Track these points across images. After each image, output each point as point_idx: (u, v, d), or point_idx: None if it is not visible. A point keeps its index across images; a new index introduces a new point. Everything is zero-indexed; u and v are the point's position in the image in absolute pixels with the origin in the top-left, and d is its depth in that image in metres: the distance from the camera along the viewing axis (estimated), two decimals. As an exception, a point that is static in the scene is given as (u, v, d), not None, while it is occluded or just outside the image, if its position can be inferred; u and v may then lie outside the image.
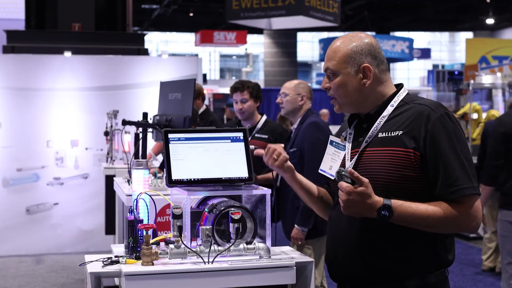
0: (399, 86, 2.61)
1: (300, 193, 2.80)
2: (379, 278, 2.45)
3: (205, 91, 7.62)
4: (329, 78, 2.58)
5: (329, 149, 2.69)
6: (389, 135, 2.45)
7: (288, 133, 5.46)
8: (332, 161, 2.63)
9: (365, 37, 2.57)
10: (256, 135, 5.44)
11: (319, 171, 2.69)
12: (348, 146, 2.58)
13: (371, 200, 2.34)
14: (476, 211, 2.38)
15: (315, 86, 30.18)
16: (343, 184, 2.37)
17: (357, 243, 2.48)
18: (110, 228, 7.00)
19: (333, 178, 2.56)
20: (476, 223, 2.40)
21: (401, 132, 2.42)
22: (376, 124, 2.51)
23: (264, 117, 5.60)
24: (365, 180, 2.35)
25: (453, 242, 2.55)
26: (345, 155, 2.59)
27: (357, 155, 2.51)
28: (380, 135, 2.48)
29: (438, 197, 2.38)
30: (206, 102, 7.48)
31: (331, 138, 2.70)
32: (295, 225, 4.89)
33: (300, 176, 2.77)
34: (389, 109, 2.52)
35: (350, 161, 2.53)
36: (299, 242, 4.91)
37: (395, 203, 2.35)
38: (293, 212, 4.96)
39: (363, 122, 2.58)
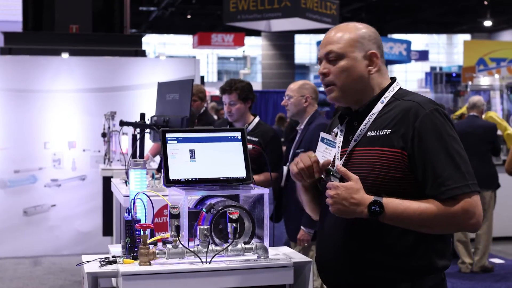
0: (392, 80, 2.50)
1: (307, 201, 2.66)
2: (369, 284, 2.36)
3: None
4: (329, 62, 2.45)
5: (320, 146, 2.57)
6: (378, 134, 2.34)
7: (291, 135, 5.39)
8: (324, 159, 2.50)
9: (368, 26, 2.49)
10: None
11: None
12: (339, 144, 2.48)
13: (359, 195, 2.25)
14: (474, 208, 2.24)
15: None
16: (330, 182, 2.29)
17: (344, 250, 2.38)
18: (107, 230, 6.99)
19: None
20: (476, 221, 2.26)
21: (389, 131, 2.31)
22: (365, 122, 2.39)
23: (257, 119, 5.37)
24: (355, 176, 2.28)
25: (448, 246, 2.43)
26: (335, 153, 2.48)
27: (346, 154, 2.41)
28: (369, 134, 2.37)
29: (430, 198, 2.27)
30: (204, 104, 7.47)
31: (322, 135, 2.59)
32: (302, 227, 4.85)
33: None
34: (379, 106, 2.40)
35: (340, 160, 2.43)
36: (305, 244, 4.88)
37: (386, 199, 2.25)
38: (297, 213, 4.92)
39: (353, 120, 2.47)
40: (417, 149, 2.27)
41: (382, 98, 2.42)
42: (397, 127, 2.31)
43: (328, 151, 2.52)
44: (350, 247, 2.37)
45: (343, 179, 2.33)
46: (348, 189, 2.26)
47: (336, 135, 2.51)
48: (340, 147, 2.47)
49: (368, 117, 2.40)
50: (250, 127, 5.27)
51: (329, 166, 2.40)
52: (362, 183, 2.28)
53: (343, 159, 2.42)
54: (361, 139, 2.39)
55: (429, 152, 2.26)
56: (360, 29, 2.46)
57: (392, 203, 2.25)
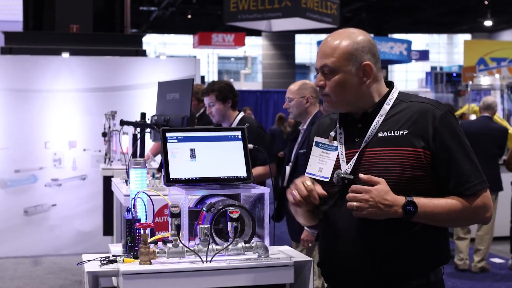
0: (391, 85, 2.55)
1: (301, 212, 2.62)
2: (384, 280, 2.41)
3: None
4: (324, 75, 2.47)
5: (315, 151, 2.58)
6: (392, 134, 2.40)
7: (293, 133, 5.35)
8: (321, 163, 2.53)
9: (362, 34, 2.49)
10: None
11: (306, 175, 2.57)
12: (341, 147, 2.50)
13: (391, 197, 2.31)
14: (490, 202, 2.43)
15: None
16: (357, 186, 2.33)
17: (359, 247, 2.42)
18: (108, 229, 6.99)
19: (326, 180, 2.48)
20: (490, 214, 2.45)
21: (406, 131, 2.39)
22: (374, 123, 2.44)
23: (240, 115, 5.41)
24: (381, 179, 2.33)
25: (448, 239, 2.57)
26: (337, 157, 2.50)
27: (356, 155, 2.44)
28: (380, 134, 2.42)
29: (452, 194, 2.39)
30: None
31: (316, 139, 2.60)
32: (305, 227, 4.85)
33: None
34: (385, 108, 2.46)
35: (348, 162, 2.45)
36: (309, 244, 4.86)
37: (417, 199, 2.34)
38: None
39: (356, 122, 2.50)
40: (439, 148, 2.38)
41: (387, 101, 2.48)
42: (414, 127, 2.40)
43: (325, 155, 2.54)
44: (364, 245, 2.42)
45: (354, 181, 2.38)
46: (380, 191, 2.32)
47: (334, 139, 2.54)
48: (344, 149, 2.49)
49: (376, 118, 2.46)
50: (234, 124, 5.31)
51: (338, 170, 2.44)
52: None
53: (353, 159, 2.44)
54: (371, 140, 2.44)
55: (452, 151, 2.39)
56: (354, 39, 2.45)
57: (422, 202, 2.35)
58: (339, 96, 2.46)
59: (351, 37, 2.46)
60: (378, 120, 2.45)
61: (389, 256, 2.41)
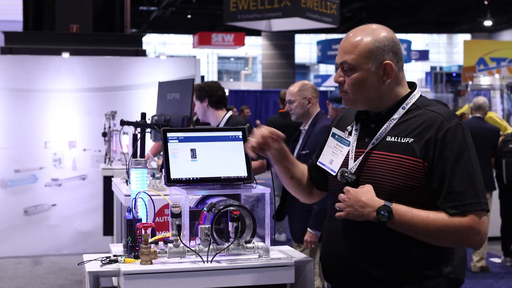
0: (413, 86, 2.49)
1: (283, 175, 2.65)
2: (374, 283, 2.39)
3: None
4: (344, 72, 2.44)
5: (331, 141, 2.58)
6: (399, 141, 2.35)
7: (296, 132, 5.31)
8: (334, 155, 2.53)
9: (385, 31, 2.44)
10: None
11: (318, 163, 2.59)
12: (353, 143, 2.48)
13: (366, 198, 2.30)
14: (479, 226, 2.28)
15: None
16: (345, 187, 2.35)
17: (354, 250, 2.41)
18: (108, 229, 6.99)
19: (333, 173, 2.49)
20: (480, 239, 2.30)
21: (411, 140, 2.33)
22: (385, 126, 2.40)
23: (228, 114, 5.44)
24: (367, 185, 2.33)
25: (452, 254, 2.47)
26: (348, 152, 2.49)
27: (362, 156, 2.42)
28: (388, 138, 2.38)
29: (440, 209, 2.30)
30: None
31: (334, 130, 2.59)
32: (308, 229, 4.81)
33: (289, 156, 2.62)
34: (400, 112, 2.41)
35: (354, 161, 2.43)
36: (312, 246, 4.85)
37: (396, 205, 2.29)
38: (302, 215, 4.89)
39: (371, 121, 2.47)
40: (437, 160, 2.30)
41: (404, 104, 2.42)
42: (420, 136, 2.33)
43: (339, 148, 2.54)
44: (358, 247, 2.40)
45: (358, 180, 2.38)
46: (357, 192, 2.32)
47: (349, 133, 2.52)
48: (355, 147, 2.47)
49: (388, 121, 2.41)
50: (222, 123, 5.35)
51: (343, 169, 2.44)
52: (379, 188, 2.33)
53: (359, 160, 2.43)
54: (379, 143, 2.40)
55: (448, 165, 2.29)
56: (376, 36, 2.41)
57: (401, 209, 2.29)
58: (357, 94, 2.42)
59: (373, 34, 2.41)
60: (390, 123, 2.40)
61: (379, 259, 2.37)
